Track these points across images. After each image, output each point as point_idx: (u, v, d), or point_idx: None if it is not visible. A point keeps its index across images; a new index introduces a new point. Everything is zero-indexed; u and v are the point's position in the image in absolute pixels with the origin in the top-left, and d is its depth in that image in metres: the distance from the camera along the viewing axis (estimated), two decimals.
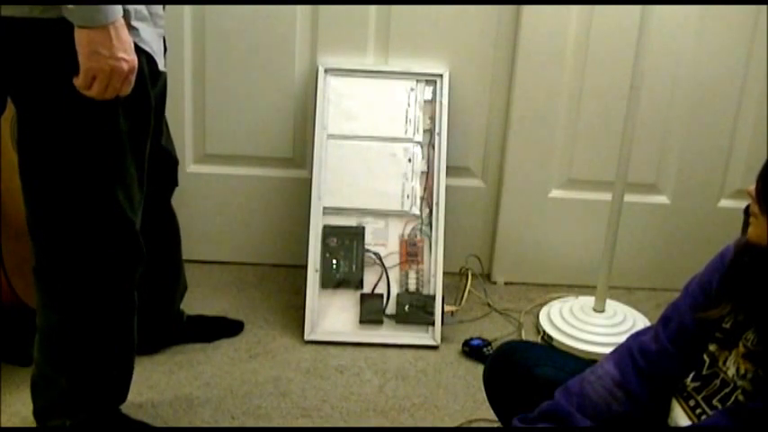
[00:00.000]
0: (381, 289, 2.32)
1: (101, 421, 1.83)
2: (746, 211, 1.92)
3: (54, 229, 1.63)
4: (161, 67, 1.66)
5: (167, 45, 1.76)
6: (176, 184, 2.06)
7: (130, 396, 1.99)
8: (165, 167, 1.98)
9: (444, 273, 2.34)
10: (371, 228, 2.37)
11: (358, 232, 2.35)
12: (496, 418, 1.62)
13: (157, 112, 1.75)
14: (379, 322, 2.30)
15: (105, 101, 1.50)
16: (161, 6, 1.66)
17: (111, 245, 1.65)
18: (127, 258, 1.68)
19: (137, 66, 1.50)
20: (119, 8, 1.44)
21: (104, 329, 1.73)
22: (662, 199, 2.59)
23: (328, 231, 2.35)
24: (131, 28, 1.51)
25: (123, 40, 1.46)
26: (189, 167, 2.56)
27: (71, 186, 1.59)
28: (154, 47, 1.60)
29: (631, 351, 1.37)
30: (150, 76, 1.61)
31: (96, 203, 1.60)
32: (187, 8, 2.41)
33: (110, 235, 1.64)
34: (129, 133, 1.59)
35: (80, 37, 1.43)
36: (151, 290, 2.10)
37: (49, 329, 1.72)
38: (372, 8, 2.44)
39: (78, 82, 1.46)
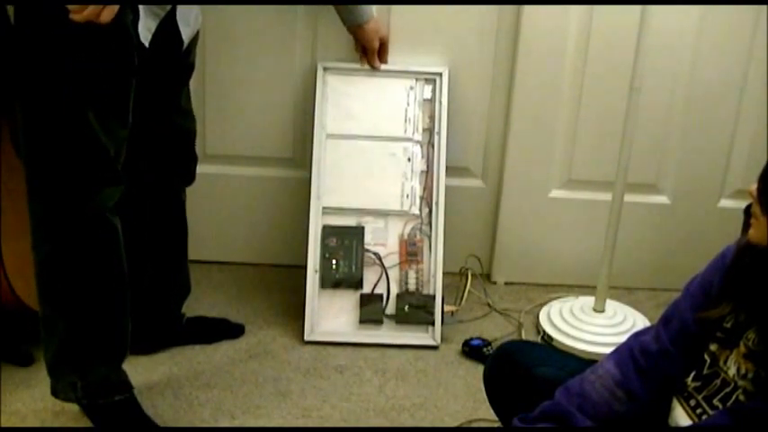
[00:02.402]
0: (381, 289, 2.32)
1: (114, 391, 1.87)
2: (747, 211, 1.92)
3: (32, 148, 1.71)
4: (141, 38, 1.72)
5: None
6: (193, 178, 2.10)
7: None
8: (181, 152, 2.03)
9: (444, 273, 2.34)
10: (371, 228, 2.37)
11: (357, 232, 2.35)
12: (496, 418, 1.62)
13: (170, 89, 1.90)
14: (379, 322, 2.30)
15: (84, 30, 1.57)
16: None
17: (82, 164, 1.71)
18: (98, 179, 1.73)
19: None
20: None
21: (89, 253, 1.77)
22: (662, 199, 2.59)
23: (328, 231, 2.35)
24: None
25: None
26: None
27: (45, 104, 1.67)
28: (140, 14, 1.71)
29: (632, 351, 1.37)
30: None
31: (66, 120, 1.67)
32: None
33: (80, 154, 1.70)
34: (105, 63, 1.66)
35: None
36: (151, 287, 2.11)
37: (41, 265, 1.78)
38: (372, 8, 2.43)
39: None
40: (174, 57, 1.89)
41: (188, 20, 1.87)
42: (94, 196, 1.74)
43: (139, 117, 1.79)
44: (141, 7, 1.70)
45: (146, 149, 1.93)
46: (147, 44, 1.75)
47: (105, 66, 1.67)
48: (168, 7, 1.78)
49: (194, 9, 1.90)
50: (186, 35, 1.88)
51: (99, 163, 1.72)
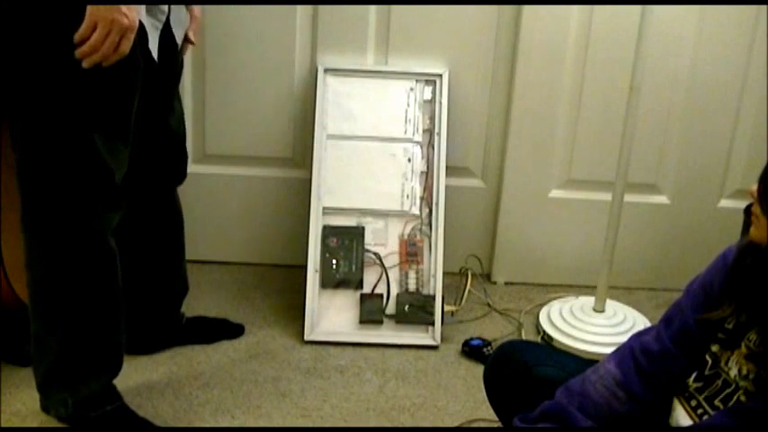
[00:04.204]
0: (381, 289, 2.32)
1: (103, 402, 1.86)
2: (747, 210, 1.92)
3: (33, 170, 1.69)
4: (153, 54, 1.72)
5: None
6: (184, 177, 2.09)
7: (130, 396, 2.00)
8: (173, 153, 2.02)
9: (444, 273, 2.34)
10: (371, 228, 2.37)
11: (358, 232, 2.35)
12: (496, 418, 1.62)
13: (165, 90, 1.88)
14: (379, 322, 2.30)
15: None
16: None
17: (87, 188, 1.69)
18: (101, 202, 1.72)
19: (136, 26, 1.58)
20: None
21: (85, 276, 1.76)
22: (662, 199, 2.59)
23: (328, 231, 2.35)
24: None
25: None
26: (189, 167, 2.54)
27: (49, 126, 1.64)
28: (146, 31, 1.69)
29: (633, 351, 1.37)
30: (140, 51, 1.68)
31: (73, 145, 1.65)
32: None
33: (86, 178, 1.68)
34: (111, 81, 1.64)
35: None
36: (149, 288, 2.10)
37: (36, 283, 1.77)
38: (372, 8, 2.44)
39: (80, 29, 1.53)
40: (170, 60, 1.87)
41: (180, 20, 1.86)
42: (96, 220, 1.73)
43: (136, 123, 1.76)
44: (146, 24, 1.68)
45: (140, 153, 1.89)
46: (156, 58, 1.73)
47: (112, 88, 1.65)
48: (165, 16, 1.76)
49: (182, 7, 1.87)
50: (179, 36, 1.86)
51: (103, 187, 1.70)
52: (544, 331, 2.36)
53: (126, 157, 1.74)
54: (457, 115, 2.48)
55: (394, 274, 2.34)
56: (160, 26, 1.75)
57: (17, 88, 1.64)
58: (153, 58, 1.73)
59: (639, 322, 2.36)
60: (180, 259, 2.19)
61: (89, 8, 1.53)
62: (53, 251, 1.74)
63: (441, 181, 2.38)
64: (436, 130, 2.40)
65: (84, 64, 1.56)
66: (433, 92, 2.43)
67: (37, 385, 1.87)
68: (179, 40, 1.87)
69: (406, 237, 2.37)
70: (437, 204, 2.37)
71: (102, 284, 1.79)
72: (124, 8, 1.54)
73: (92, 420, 1.86)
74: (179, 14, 1.85)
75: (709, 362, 1.29)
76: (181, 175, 2.09)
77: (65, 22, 1.55)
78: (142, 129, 1.83)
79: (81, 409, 1.85)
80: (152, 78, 1.77)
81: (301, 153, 2.56)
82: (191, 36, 1.91)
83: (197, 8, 1.94)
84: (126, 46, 1.56)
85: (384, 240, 2.37)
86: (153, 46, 1.72)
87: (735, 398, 1.23)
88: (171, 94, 1.97)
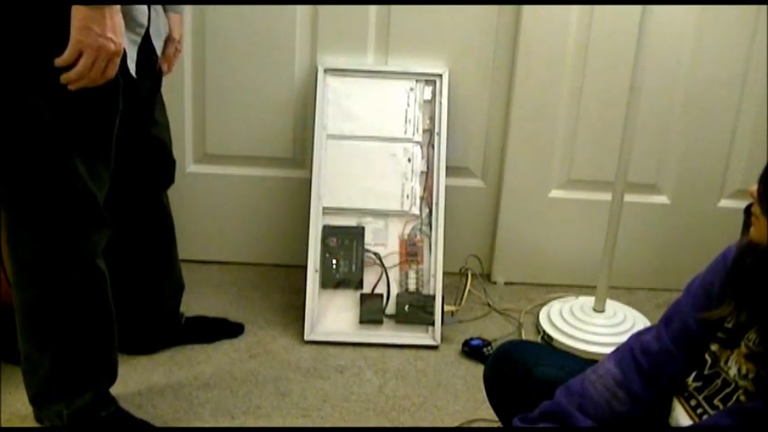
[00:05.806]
0: (381, 289, 2.32)
1: (98, 409, 1.85)
2: (747, 210, 1.92)
3: (14, 195, 1.67)
4: (131, 71, 1.68)
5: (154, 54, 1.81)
6: (171, 182, 2.07)
7: (130, 396, 2.00)
8: (158, 161, 1.99)
9: (444, 273, 2.34)
10: (371, 228, 2.37)
11: (358, 232, 2.35)
12: (496, 418, 1.62)
13: (145, 102, 1.84)
14: (379, 322, 2.30)
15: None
16: (146, 16, 1.69)
17: (70, 212, 1.67)
18: (86, 226, 1.70)
19: (122, 51, 1.55)
20: None
21: (76, 298, 1.74)
22: (662, 199, 2.59)
23: (328, 231, 2.35)
24: None
25: (116, 23, 1.52)
26: (189, 167, 2.56)
27: (29, 152, 1.62)
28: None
29: (633, 350, 1.37)
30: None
31: (53, 169, 1.63)
32: (187, 8, 2.40)
33: (68, 202, 1.66)
34: (90, 105, 1.61)
35: (76, 11, 1.48)
36: (144, 288, 2.10)
37: (25, 305, 1.75)
38: (372, 8, 2.44)
39: (64, 55, 1.50)
40: (150, 71, 1.84)
41: (159, 31, 1.82)
42: (83, 243, 1.71)
43: (119, 137, 1.73)
44: (124, 40, 1.61)
45: (126, 164, 1.86)
46: (134, 74, 1.69)
47: (91, 112, 1.62)
48: (144, 29, 1.71)
49: (161, 16, 1.84)
50: (159, 48, 1.83)
51: (86, 209, 1.68)
52: (544, 331, 2.36)
53: (107, 179, 1.71)
54: (457, 115, 2.48)
55: (394, 274, 2.34)
56: (139, 40, 1.70)
57: None
58: (131, 75, 1.69)
59: (639, 322, 2.36)
60: (172, 258, 2.17)
61: (73, 35, 1.49)
62: (40, 275, 1.72)
63: (441, 181, 2.38)
64: (436, 130, 2.40)
65: (71, 87, 1.53)
66: (433, 92, 2.43)
67: (29, 398, 1.86)
68: (159, 50, 1.83)
69: (406, 237, 2.37)
70: (437, 204, 2.37)
71: (92, 306, 1.77)
72: (109, 32, 1.50)
73: (89, 428, 1.85)
74: (158, 26, 1.81)
75: (709, 361, 1.29)
76: (168, 179, 2.07)
77: (46, 46, 1.52)
78: (125, 142, 1.79)
79: (76, 419, 1.84)
80: (131, 92, 1.73)
81: (301, 153, 2.56)
82: (165, 61, 1.88)
83: (177, 28, 1.91)
84: (112, 70, 1.54)
85: (384, 240, 2.37)
86: (131, 62, 1.68)
87: (734, 397, 1.23)
88: (151, 105, 1.93)
